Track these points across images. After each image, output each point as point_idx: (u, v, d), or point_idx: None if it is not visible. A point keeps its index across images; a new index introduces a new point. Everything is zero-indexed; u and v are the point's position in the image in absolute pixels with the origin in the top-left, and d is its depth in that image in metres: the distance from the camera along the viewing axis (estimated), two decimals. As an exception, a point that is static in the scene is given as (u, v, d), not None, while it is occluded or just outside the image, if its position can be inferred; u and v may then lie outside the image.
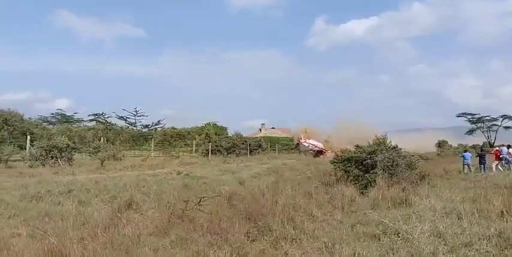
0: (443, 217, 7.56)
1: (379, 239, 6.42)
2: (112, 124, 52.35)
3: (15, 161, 24.88)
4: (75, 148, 25.37)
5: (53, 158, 23.28)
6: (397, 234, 6.44)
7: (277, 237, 6.23)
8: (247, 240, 6.72)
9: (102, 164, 23.63)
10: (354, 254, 5.36)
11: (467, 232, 6.27)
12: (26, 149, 27.56)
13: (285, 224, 7.55)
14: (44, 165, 22.00)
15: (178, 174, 17.37)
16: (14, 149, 24.79)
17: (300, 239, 6.45)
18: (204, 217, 8.42)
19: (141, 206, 10.13)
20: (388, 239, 6.35)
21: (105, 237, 6.49)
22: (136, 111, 53.73)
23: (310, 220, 8.59)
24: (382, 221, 7.49)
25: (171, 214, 8.75)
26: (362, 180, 13.37)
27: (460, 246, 5.60)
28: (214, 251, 6.22)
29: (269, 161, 26.72)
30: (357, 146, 15.04)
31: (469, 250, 5.54)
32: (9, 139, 31.01)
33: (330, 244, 5.96)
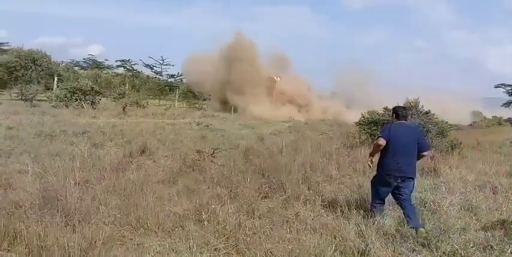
0: (475, 189, 6.88)
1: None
2: (139, 72, 52.32)
3: (40, 101, 25.25)
4: (99, 92, 25.34)
5: (76, 100, 23.40)
6: (424, 204, 5.85)
7: (289, 196, 5.73)
8: (258, 196, 6.29)
9: (124, 109, 23.62)
10: (372, 222, 4.81)
11: (504, 209, 5.61)
12: (53, 90, 27.82)
13: (300, 183, 7.07)
14: (67, 106, 22.17)
15: (197, 125, 17.05)
16: (40, 88, 25.00)
17: (314, 200, 5.94)
18: (216, 168, 8.04)
19: (154, 153, 9.83)
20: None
21: (110, 181, 6.17)
22: (163, 59, 53.23)
23: (328, 181, 8.09)
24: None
25: (183, 163, 8.41)
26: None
27: (495, 223, 4.98)
28: (221, 205, 5.84)
29: (291, 119, 26.07)
30: (386, 109, 14.14)
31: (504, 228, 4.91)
32: (37, 79, 31.34)
33: (346, 208, 5.44)
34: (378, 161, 5.21)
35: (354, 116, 29.73)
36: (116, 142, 10.63)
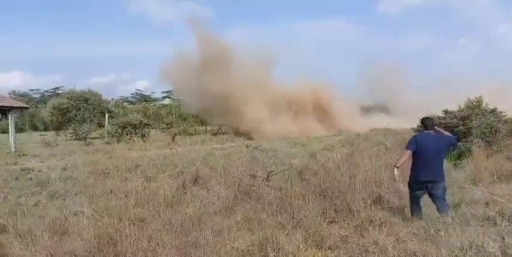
0: None
1: (495, 224, 5.03)
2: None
3: (94, 138, 26.25)
4: (148, 124, 25.98)
5: (127, 135, 24.04)
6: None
7: (362, 221, 5.09)
8: (324, 222, 5.70)
9: (173, 139, 23.97)
10: (469, 245, 4.07)
11: None
12: (104, 126, 28.91)
13: (367, 202, 6.39)
14: (119, 141, 22.79)
15: (246, 147, 16.76)
16: (91, 126, 26.02)
17: (390, 223, 5.26)
18: (273, 193, 7.54)
19: (207, 181, 9.54)
20: (509, 223, 4.93)
21: (166, 217, 5.86)
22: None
23: (397, 197, 7.32)
24: (494, 199, 6.02)
25: (237, 190, 8.00)
26: (453, 150, 11.59)
27: None
28: (286, 234, 5.32)
29: (341, 133, 25.15)
30: (446, 112, 13.10)
31: None
32: (90, 118, 32.80)
33: (431, 229, 4.72)
34: (410, 169, 5.78)
35: (395, 123, 27.59)
36: (168, 173, 10.48)
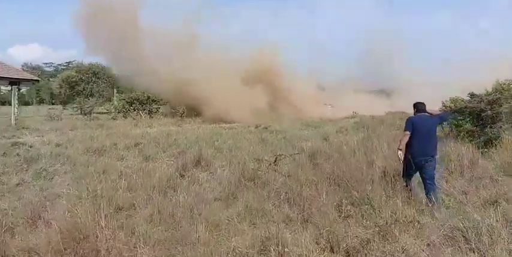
0: None
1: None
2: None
3: (101, 113, 25.63)
4: (155, 101, 25.20)
5: (135, 110, 23.35)
6: None
7: (386, 222, 4.23)
8: (339, 217, 4.89)
9: (181, 116, 23.21)
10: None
11: None
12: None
13: (389, 194, 5.54)
14: (125, 117, 22.13)
15: (256, 127, 15.90)
16: (98, 101, 25.34)
17: (418, 222, 4.39)
18: (281, 180, 6.73)
19: (210, 163, 8.77)
20: None
21: (155, 205, 5.10)
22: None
23: (423, 191, 6.45)
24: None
25: (242, 174, 7.21)
26: (480, 137, 10.56)
27: None
28: (293, 231, 4.52)
29: (356, 115, 24.04)
30: (472, 95, 11.94)
31: None
32: (98, 92, 32.18)
33: (469, 232, 3.86)
34: (406, 147, 6.02)
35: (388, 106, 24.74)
36: (170, 153, 9.73)
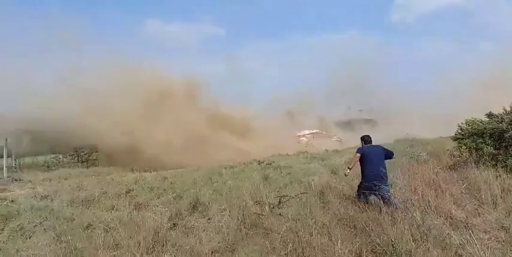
0: None
1: None
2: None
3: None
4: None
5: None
6: None
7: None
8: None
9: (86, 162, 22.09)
10: None
11: None
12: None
13: (417, 238, 4.59)
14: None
15: (259, 164, 15.01)
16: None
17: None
18: (287, 225, 5.79)
19: (208, 208, 7.86)
20: None
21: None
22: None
23: (452, 226, 5.48)
24: None
25: (242, 221, 6.29)
26: (505, 160, 9.57)
27: None
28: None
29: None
30: (490, 115, 11.08)
31: None
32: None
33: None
34: (361, 173, 6.90)
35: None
36: (164, 199, 8.83)
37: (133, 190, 9.63)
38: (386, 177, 6.68)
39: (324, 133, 26.34)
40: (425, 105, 36.08)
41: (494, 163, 9.56)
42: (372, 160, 6.73)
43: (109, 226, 6.67)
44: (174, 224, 6.68)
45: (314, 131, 27.37)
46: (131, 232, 6.14)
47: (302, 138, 24.40)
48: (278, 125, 26.09)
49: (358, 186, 6.93)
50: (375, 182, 6.44)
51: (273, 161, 14.85)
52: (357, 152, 6.90)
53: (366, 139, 7.21)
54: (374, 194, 6.51)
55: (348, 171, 6.82)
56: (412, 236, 4.58)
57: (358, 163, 6.89)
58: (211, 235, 6.18)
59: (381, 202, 6.29)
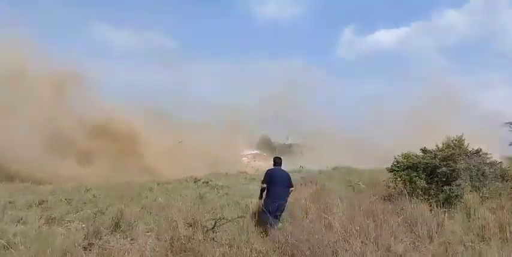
0: None
1: None
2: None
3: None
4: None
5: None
6: None
7: None
8: None
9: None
10: None
11: None
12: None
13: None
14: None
15: (195, 182, 14.26)
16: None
17: None
18: (221, 251, 5.21)
19: (132, 227, 7.03)
20: None
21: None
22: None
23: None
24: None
25: (170, 244, 5.59)
26: (437, 194, 9.80)
27: None
28: None
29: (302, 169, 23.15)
30: (424, 150, 11.46)
31: None
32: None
33: None
34: (266, 195, 7.45)
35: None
36: (82, 213, 7.82)
37: (47, 201, 8.47)
38: (287, 198, 7.51)
39: (264, 154, 26.10)
40: (360, 137, 37.39)
41: (426, 196, 9.76)
42: (278, 183, 7.40)
43: (10, 243, 5.65)
44: (89, 243, 5.81)
45: (255, 151, 27.05)
46: (36, 250, 5.21)
47: (244, 158, 23.75)
48: (216, 143, 24.95)
49: (264, 205, 7.28)
50: (279, 202, 7.20)
51: (211, 180, 14.18)
52: (263, 182, 7.54)
53: (276, 161, 7.77)
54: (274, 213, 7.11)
55: (261, 202, 7.47)
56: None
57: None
58: (132, 259, 5.41)
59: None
